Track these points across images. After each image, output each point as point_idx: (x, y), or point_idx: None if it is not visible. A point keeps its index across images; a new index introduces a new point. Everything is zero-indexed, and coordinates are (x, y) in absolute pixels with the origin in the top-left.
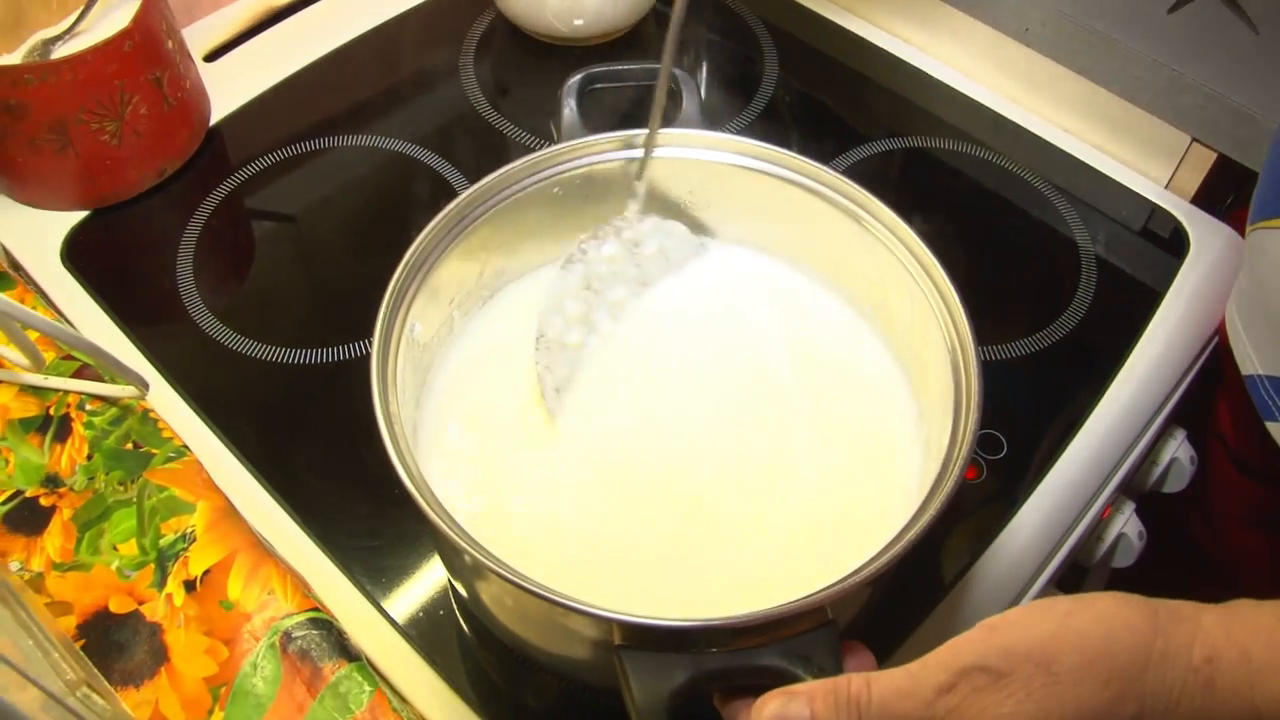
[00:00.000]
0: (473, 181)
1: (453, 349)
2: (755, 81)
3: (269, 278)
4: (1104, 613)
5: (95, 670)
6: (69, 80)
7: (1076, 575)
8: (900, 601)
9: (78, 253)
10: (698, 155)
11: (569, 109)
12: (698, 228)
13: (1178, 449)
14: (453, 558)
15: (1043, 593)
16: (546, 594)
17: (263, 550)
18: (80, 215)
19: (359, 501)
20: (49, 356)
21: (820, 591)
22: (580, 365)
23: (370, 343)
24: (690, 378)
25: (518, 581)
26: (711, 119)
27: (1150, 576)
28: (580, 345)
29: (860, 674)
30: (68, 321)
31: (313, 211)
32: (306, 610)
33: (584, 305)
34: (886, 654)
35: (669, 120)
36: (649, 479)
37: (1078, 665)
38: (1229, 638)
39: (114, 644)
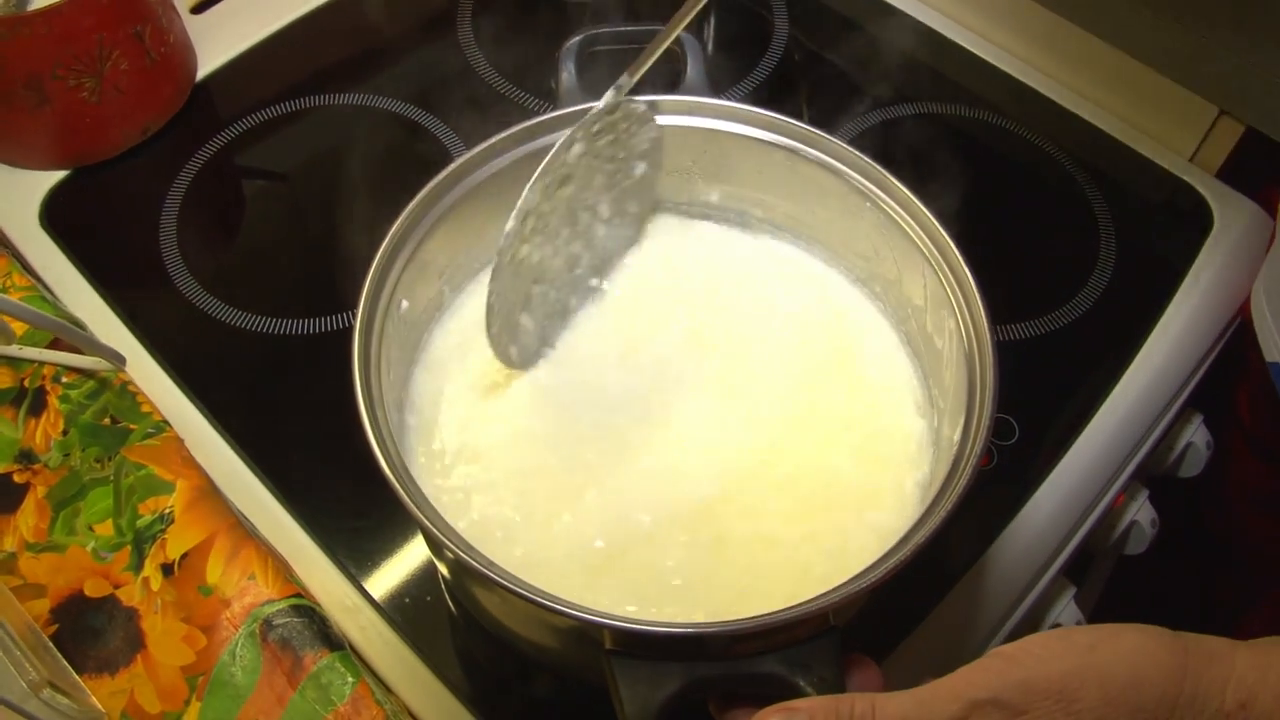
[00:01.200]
0: (469, 145)
1: (441, 325)
2: (764, 42)
3: (256, 244)
4: (1131, 649)
5: (64, 663)
6: (44, 34)
7: (1083, 564)
8: (906, 593)
9: (57, 214)
10: (701, 123)
11: (567, 73)
12: (699, 199)
13: (1194, 434)
14: (433, 547)
15: (1053, 583)
16: (534, 597)
17: (243, 532)
18: (60, 175)
19: (345, 481)
20: (21, 328)
21: (823, 596)
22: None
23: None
24: (683, 361)
25: (504, 582)
26: (717, 83)
27: (1160, 563)
28: (534, 262)
29: (865, 695)
30: (45, 286)
31: (302, 173)
32: (288, 596)
33: (543, 216)
34: (891, 649)
35: (672, 85)
36: (641, 475)
37: (1099, 704)
38: (1264, 682)
39: (89, 630)
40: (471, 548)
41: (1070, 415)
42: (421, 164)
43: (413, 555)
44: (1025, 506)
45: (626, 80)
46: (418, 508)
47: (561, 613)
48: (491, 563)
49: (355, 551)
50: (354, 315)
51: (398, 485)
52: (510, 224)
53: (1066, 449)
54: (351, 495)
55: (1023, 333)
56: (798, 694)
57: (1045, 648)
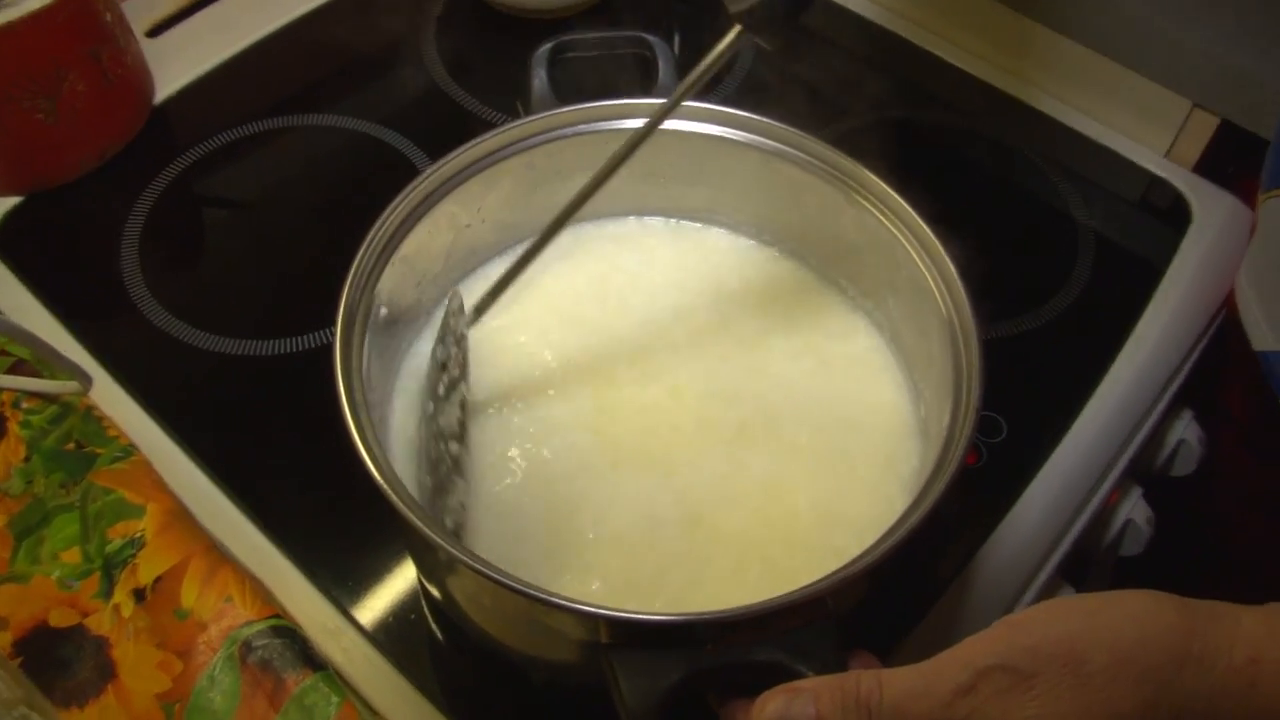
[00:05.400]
0: (435, 160)
1: (421, 336)
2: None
3: (221, 266)
4: (1136, 610)
5: (34, 687)
6: None
7: (1082, 566)
8: (899, 597)
9: (12, 241)
10: (673, 126)
11: (539, 79)
12: (672, 204)
13: (1185, 429)
14: (425, 556)
15: (1048, 584)
16: (529, 590)
17: (219, 555)
18: (14, 201)
19: (322, 501)
20: None
21: (819, 581)
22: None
23: (331, 331)
24: (667, 366)
25: (497, 578)
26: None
27: (1160, 565)
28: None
29: (870, 671)
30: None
31: (267, 195)
32: (268, 618)
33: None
34: (886, 653)
35: (644, 89)
36: (633, 471)
37: (1109, 665)
38: (1272, 637)
39: (55, 661)
40: (465, 546)
41: (1058, 412)
42: (389, 182)
43: (395, 574)
44: (1016, 504)
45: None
46: (408, 508)
47: (557, 605)
48: (484, 560)
49: (335, 572)
50: (321, 336)
51: (385, 484)
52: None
53: (1055, 445)
54: (329, 514)
55: (1007, 331)
56: (801, 679)
57: (1051, 612)
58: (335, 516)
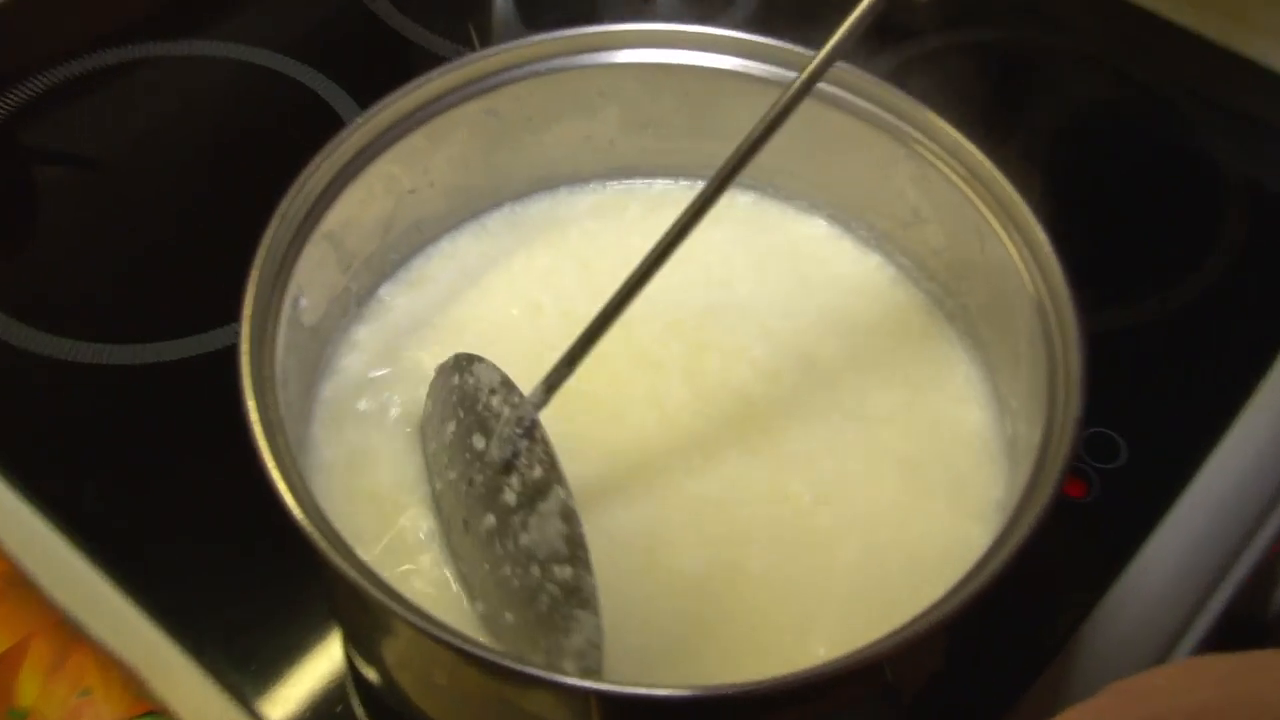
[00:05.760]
0: (366, 105)
1: (351, 336)
2: None
3: (65, 245)
4: None
5: None
6: None
7: (1244, 634)
8: (984, 671)
9: None
10: (679, 58)
11: (501, 1)
12: (671, 162)
13: None
14: (359, 621)
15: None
16: (500, 661)
17: (70, 633)
18: None
19: (213, 555)
20: None
21: (874, 645)
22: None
23: (230, 330)
24: (676, 372)
25: (461, 646)
26: (702, 7)
27: None
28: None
29: None
30: None
31: (126, 151)
32: (140, 716)
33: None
34: None
35: (633, 9)
36: (630, 505)
37: None
38: None
39: None
40: (417, 607)
41: (1196, 430)
42: (304, 134)
43: (314, 653)
44: (1142, 552)
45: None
46: (342, 559)
47: (537, 678)
48: (444, 624)
49: (232, 652)
50: (207, 340)
51: (310, 527)
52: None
53: (1195, 474)
54: (223, 574)
55: (1121, 321)
56: None
57: (1176, 679)
58: (232, 576)
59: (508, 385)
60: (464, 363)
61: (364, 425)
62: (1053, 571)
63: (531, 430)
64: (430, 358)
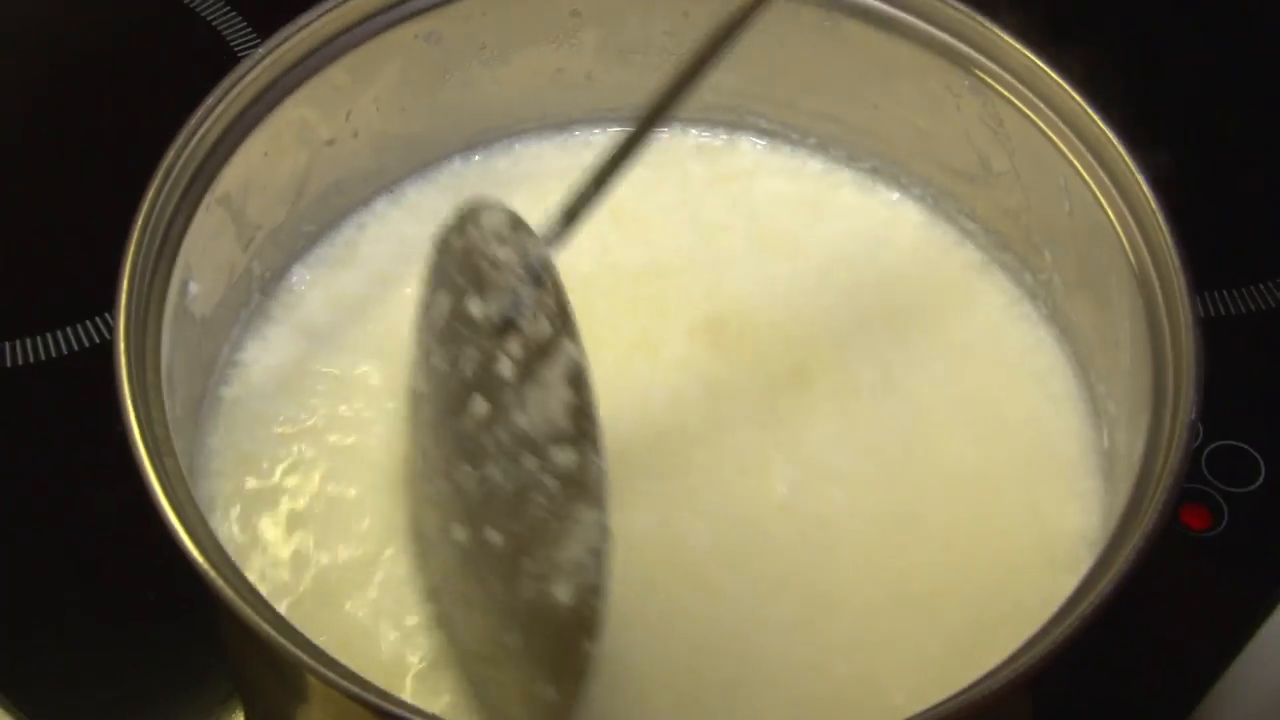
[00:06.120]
0: (265, 37)
1: (254, 326)
2: None
3: None
4: None
5: None
6: None
7: None
8: None
9: None
10: None
11: None
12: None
13: None
14: (274, 695)
15: None
16: None
17: None
18: None
19: (80, 615)
20: None
21: (942, 705)
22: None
23: (103, 322)
24: (684, 358)
25: (399, 714)
26: None
27: None
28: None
29: None
30: None
31: None
32: None
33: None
34: None
35: None
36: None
37: None
38: None
39: None
40: (345, 668)
41: None
42: (186, 72)
43: None
44: None
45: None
46: (247, 601)
47: None
48: (377, 688)
49: None
50: (83, 329)
51: (203, 559)
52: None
53: None
54: (95, 638)
55: (1260, 304)
56: None
57: None
58: (103, 638)
59: (518, 226)
60: (468, 215)
61: (272, 442)
62: (1174, 623)
63: (539, 275)
64: (351, 360)
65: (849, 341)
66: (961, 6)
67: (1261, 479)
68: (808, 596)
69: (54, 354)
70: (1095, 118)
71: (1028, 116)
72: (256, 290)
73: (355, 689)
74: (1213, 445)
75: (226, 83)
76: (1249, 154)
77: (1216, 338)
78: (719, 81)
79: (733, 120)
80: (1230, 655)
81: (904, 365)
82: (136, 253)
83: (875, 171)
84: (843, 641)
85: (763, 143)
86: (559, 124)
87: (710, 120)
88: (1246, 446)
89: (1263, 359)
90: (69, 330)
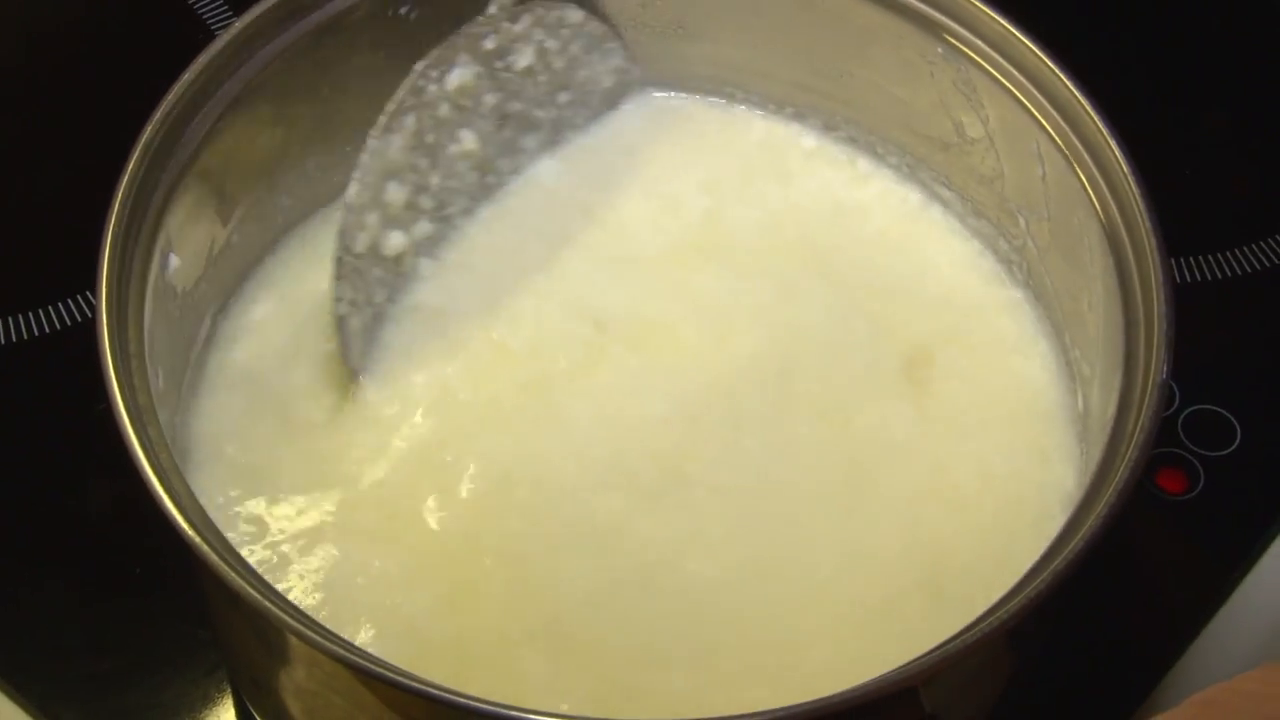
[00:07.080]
0: (240, 13)
1: (237, 304)
2: None
3: None
4: None
5: None
6: None
7: None
8: (1076, 702)
9: None
10: None
11: None
12: (655, 65)
13: None
14: (259, 662)
15: None
16: (441, 694)
17: None
18: None
19: (66, 589)
20: None
21: (907, 666)
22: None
23: (84, 300)
24: (647, 326)
25: (395, 678)
26: None
27: None
28: (406, 257)
29: None
30: None
31: None
32: None
33: (414, 184)
34: None
35: None
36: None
37: None
38: None
39: None
40: (335, 635)
41: None
42: (159, 52)
43: (198, 711)
44: (1258, 566)
45: None
46: (238, 571)
47: (482, 712)
48: (367, 652)
49: (93, 714)
50: (61, 308)
51: (199, 539)
52: (351, 190)
53: None
54: (81, 615)
55: (1236, 269)
56: None
57: (1266, 683)
58: (91, 614)
59: None
60: None
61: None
62: (1151, 585)
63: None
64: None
65: (826, 295)
66: None
67: (1237, 443)
68: (767, 558)
69: (37, 332)
70: (1068, 83)
71: (1000, 83)
72: (246, 266)
73: (337, 648)
74: (1189, 410)
75: (203, 58)
76: (1221, 124)
77: (1194, 304)
78: (696, 51)
79: (709, 90)
80: (1207, 615)
81: (879, 330)
82: (117, 226)
83: (851, 140)
84: (814, 600)
85: (740, 108)
86: None
87: (687, 89)
88: (1222, 411)
89: (1239, 324)
90: (51, 309)
